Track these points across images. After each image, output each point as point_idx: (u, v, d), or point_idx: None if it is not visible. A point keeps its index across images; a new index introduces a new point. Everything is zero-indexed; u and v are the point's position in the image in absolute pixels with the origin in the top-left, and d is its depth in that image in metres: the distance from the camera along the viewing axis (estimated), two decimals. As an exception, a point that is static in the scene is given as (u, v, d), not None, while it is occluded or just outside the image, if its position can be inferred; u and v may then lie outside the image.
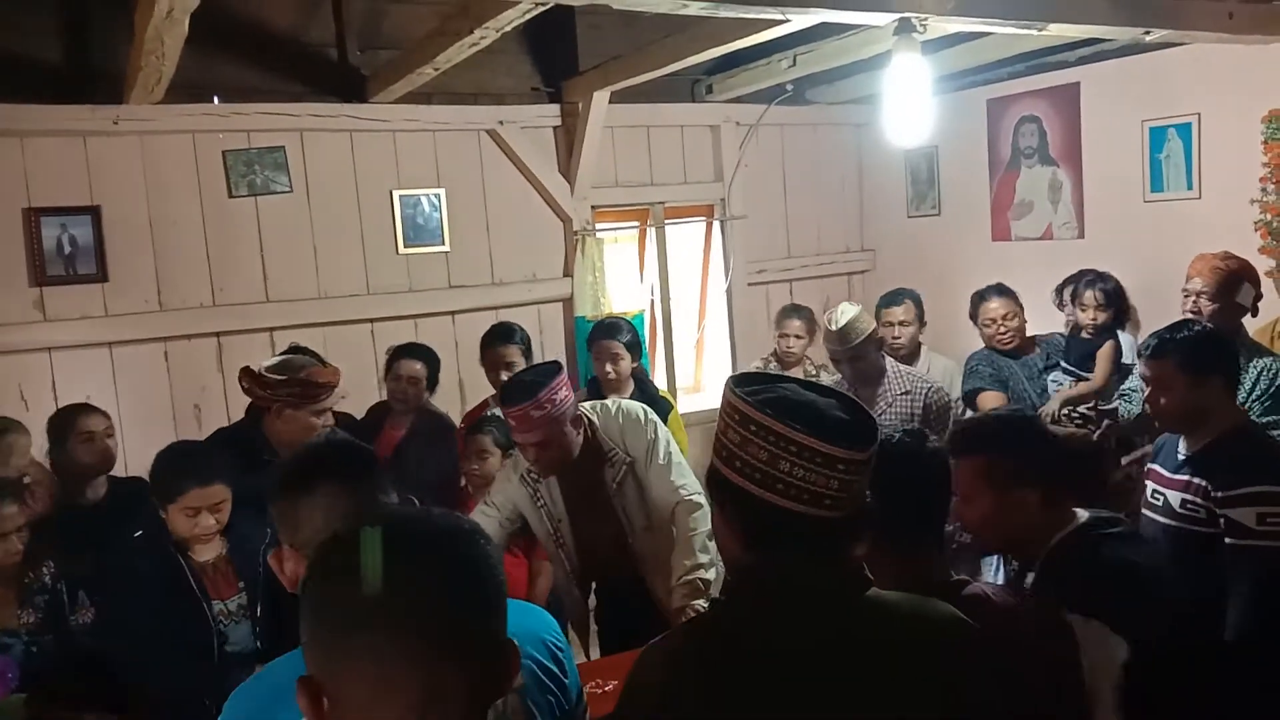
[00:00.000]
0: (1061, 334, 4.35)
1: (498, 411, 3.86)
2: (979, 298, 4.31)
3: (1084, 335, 4.09)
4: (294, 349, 4.00)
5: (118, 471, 3.91)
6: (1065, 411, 3.79)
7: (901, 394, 3.54)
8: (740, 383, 1.33)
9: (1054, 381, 4.09)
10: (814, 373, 4.80)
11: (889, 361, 3.68)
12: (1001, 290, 4.29)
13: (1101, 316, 4.04)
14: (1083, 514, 2.01)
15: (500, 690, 0.98)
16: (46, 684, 2.29)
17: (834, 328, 3.55)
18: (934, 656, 1.27)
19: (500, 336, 4.02)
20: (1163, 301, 3.99)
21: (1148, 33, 4.02)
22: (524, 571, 3.51)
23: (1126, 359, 4.02)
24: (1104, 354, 3.97)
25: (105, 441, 3.44)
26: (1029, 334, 4.33)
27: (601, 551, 3.10)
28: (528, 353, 4.01)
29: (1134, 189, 4.75)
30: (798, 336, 4.79)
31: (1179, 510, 2.51)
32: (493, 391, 4.01)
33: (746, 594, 1.32)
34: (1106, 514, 2.06)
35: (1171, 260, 4.16)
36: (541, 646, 1.46)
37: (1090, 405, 3.84)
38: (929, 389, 3.60)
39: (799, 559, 1.28)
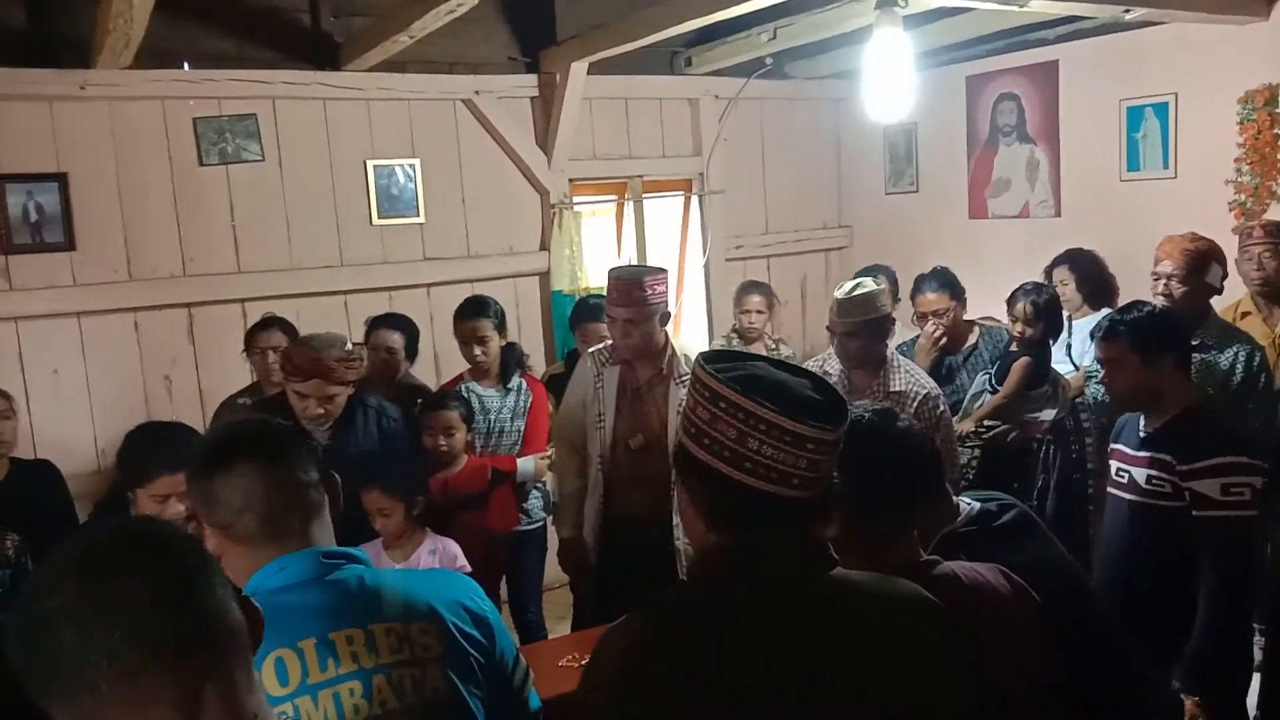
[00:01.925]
0: (1005, 327, 4.09)
1: (472, 385, 3.86)
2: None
3: (1011, 349, 3.86)
4: (268, 320, 3.96)
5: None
6: (976, 429, 3.73)
7: (893, 393, 3.14)
8: (710, 360, 1.31)
9: (973, 397, 3.87)
10: (773, 347, 4.85)
11: (892, 353, 3.28)
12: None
13: (1030, 331, 3.77)
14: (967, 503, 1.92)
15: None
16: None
17: (839, 295, 3.24)
18: (900, 635, 1.27)
19: (474, 310, 3.98)
20: (1138, 281, 4.01)
21: (1127, 11, 4.02)
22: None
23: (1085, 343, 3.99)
24: (1016, 368, 3.72)
25: (2, 424, 3.31)
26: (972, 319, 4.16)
27: (636, 461, 3.25)
28: (501, 326, 3.98)
29: (1111, 168, 4.76)
30: (759, 312, 4.83)
31: (1145, 486, 2.56)
32: (467, 366, 3.98)
33: (711, 575, 1.31)
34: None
35: (1147, 239, 4.17)
36: (460, 611, 1.49)
37: (1002, 424, 3.71)
38: (924, 396, 3.14)
39: (765, 539, 1.27)
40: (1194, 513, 2.43)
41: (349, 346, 3.31)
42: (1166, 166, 4.56)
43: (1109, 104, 4.73)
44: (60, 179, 4.12)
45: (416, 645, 1.42)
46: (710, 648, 1.22)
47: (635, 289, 3.14)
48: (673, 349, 3.28)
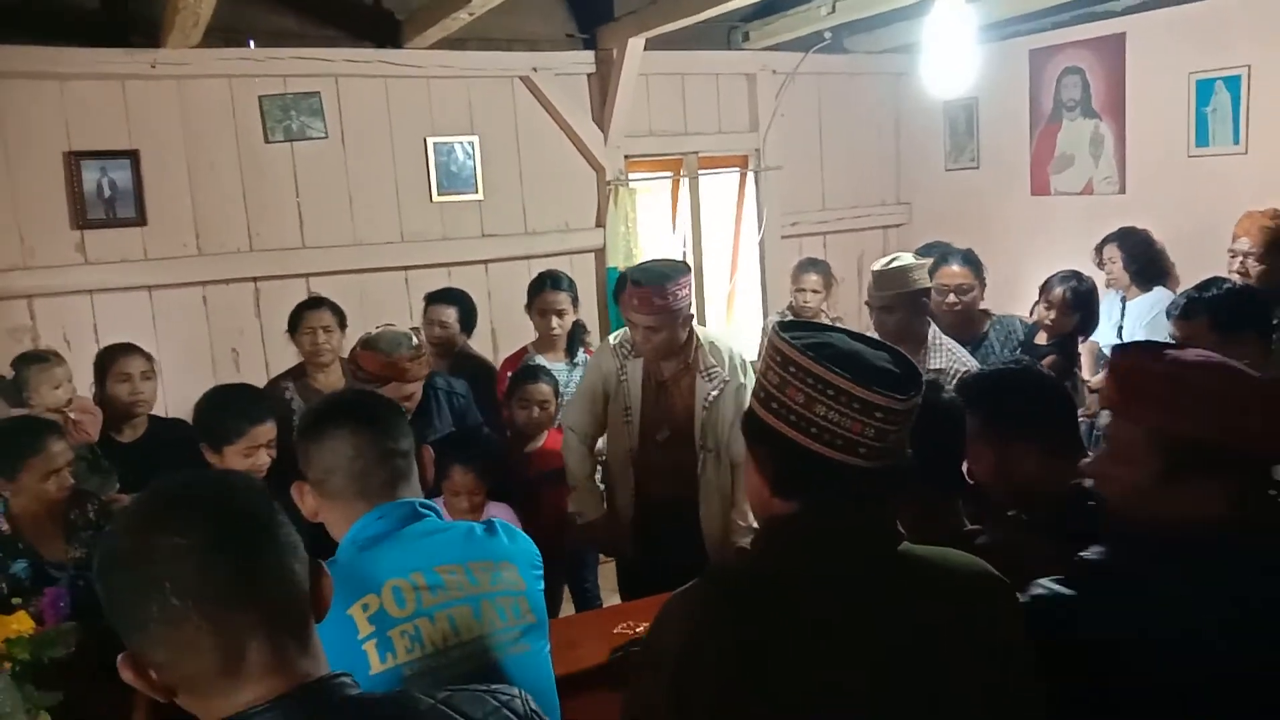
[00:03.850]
0: (1023, 318, 3.93)
1: (540, 359, 3.92)
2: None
3: (1037, 341, 3.68)
4: (315, 300, 3.93)
5: (155, 413, 3.99)
6: None
7: (934, 369, 3.13)
8: (787, 328, 1.32)
9: None
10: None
11: (934, 332, 3.24)
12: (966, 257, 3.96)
13: (1064, 321, 3.56)
14: None
15: (310, 614, 1.05)
16: (95, 614, 2.37)
17: (876, 268, 3.23)
18: (964, 609, 1.26)
19: (553, 283, 4.07)
20: (1205, 259, 3.92)
21: (1199, -19, 3.92)
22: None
23: (1157, 318, 3.89)
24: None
25: (143, 384, 3.49)
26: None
27: (663, 452, 3.27)
28: (575, 301, 4.05)
29: (1178, 143, 4.65)
30: (814, 291, 4.79)
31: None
32: (534, 338, 4.04)
33: (776, 544, 1.31)
34: None
35: (1215, 217, 4.09)
36: (533, 556, 1.72)
37: None
38: (964, 373, 3.02)
39: (832, 510, 1.26)
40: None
41: (415, 341, 3.37)
42: (1237, 142, 4.44)
43: (1178, 77, 4.60)
44: (132, 155, 4.25)
45: (505, 580, 1.63)
46: (774, 618, 1.22)
47: (657, 296, 3.05)
48: (697, 340, 3.24)
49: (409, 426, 1.72)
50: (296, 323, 3.79)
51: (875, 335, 3.26)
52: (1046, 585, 1.43)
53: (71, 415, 3.25)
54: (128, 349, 3.56)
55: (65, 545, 2.70)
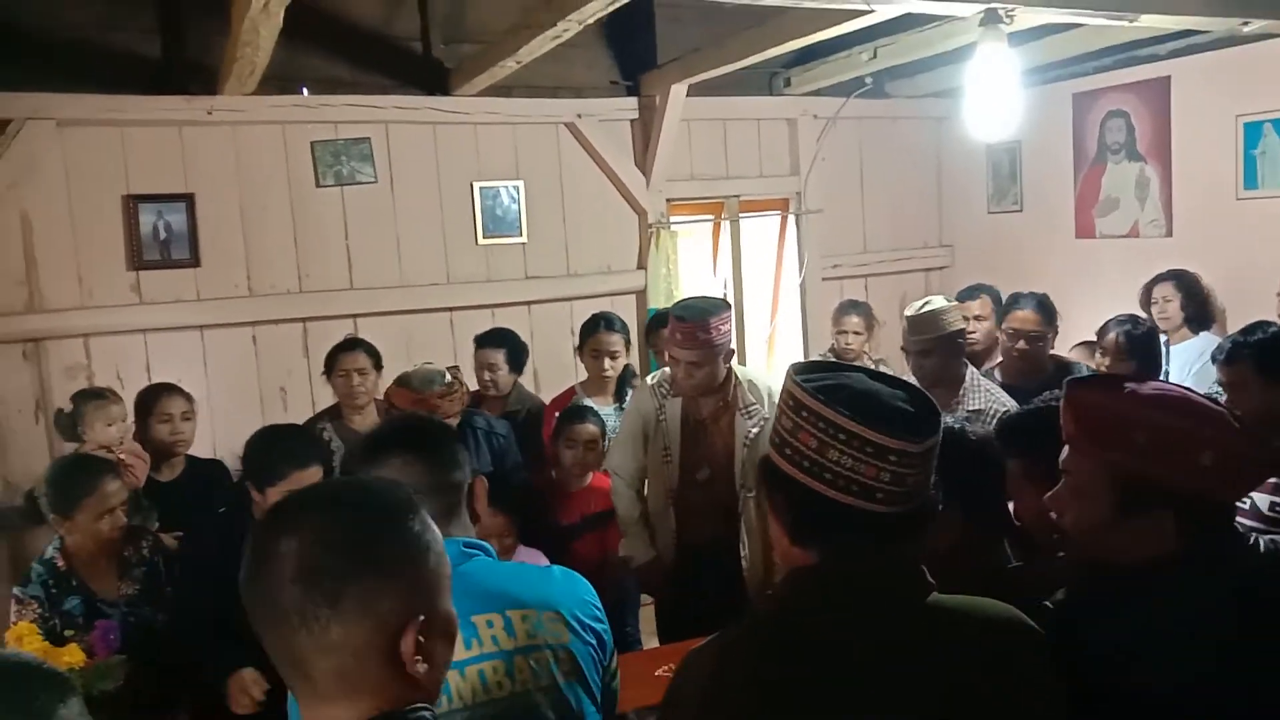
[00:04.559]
0: (1090, 365, 3.83)
1: (588, 401, 3.93)
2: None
3: None
4: (350, 341, 3.97)
5: (205, 452, 4.07)
6: None
7: (971, 411, 3.11)
8: (803, 370, 1.29)
9: None
10: (873, 367, 4.76)
11: (971, 373, 3.26)
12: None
13: (1122, 368, 3.40)
14: None
15: (371, 633, 1.02)
16: (145, 649, 2.42)
17: (909, 313, 3.27)
18: (991, 662, 1.22)
19: (607, 325, 4.09)
20: (1253, 303, 3.87)
21: (1245, 23, 3.90)
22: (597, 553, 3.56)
23: (1206, 365, 3.81)
24: None
25: (182, 424, 3.56)
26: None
27: (703, 492, 3.26)
28: (628, 344, 4.07)
29: (1226, 186, 4.60)
30: (856, 333, 4.78)
31: (1267, 513, 2.46)
32: (577, 378, 4.06)
33: (796, 595, 1.27)
34: None
35: (1265, 261, 4.05)
36: (583, 606, 1.62)
37: None
38: (1004, 414, 2.99)
39: (853, 557, 1.22)
40: None
41: (448, 379, 3.40)
42: (1287, 184, 4.39)
43: (1225, 120, 4.57)
44: (188, 199, 4.36)
45: (548, 632, 1.54)
46: (796, 667, 1.19)
47: (700, 331, 3.08)
48: (736, 378, 3.24)
49: (464, 454, 1.66)
50: (332, 364, 3.84)
51: (912, 378, 3.31)
52: None
53: (123, 457, 3.31)
54: (169, 389, 3.63)
55: (118, 582, 2.75)
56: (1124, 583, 1.40)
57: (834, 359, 4.85)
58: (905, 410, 1.23)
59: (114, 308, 4.27)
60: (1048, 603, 1.48)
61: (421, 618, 1.02)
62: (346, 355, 3.83)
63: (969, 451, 1.71)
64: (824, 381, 1.25)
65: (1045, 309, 3.73)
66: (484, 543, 1.62)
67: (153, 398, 3.58)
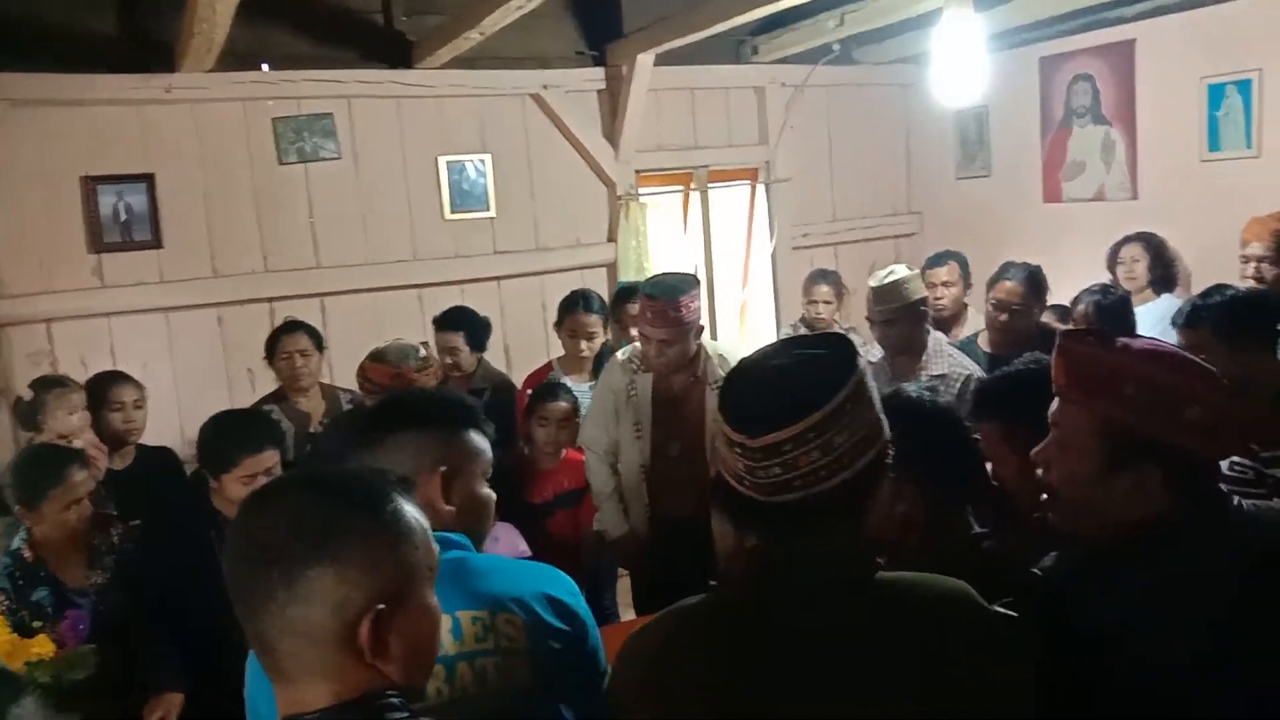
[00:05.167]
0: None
1: (565, 379, 3.91)
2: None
3: None
4: (291, 324, 3.93)
5: (174, 437, 4.04)
6: None
7: (935, 376, 3.16)
8: (761, 351, 1.30)
9: None
10: None
11: (934, 339, 3.29)
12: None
13: None
14: None
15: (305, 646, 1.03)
16: (115, 636, 2.40)
17: (873, 284, 3.29)
18: (941, 640, 1.20)
19: (585, 304, 4.04)
20: (1219, 264, 3.91)
21: (1208, -14, 3.91)
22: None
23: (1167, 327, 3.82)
24: None
25: (134, 412, 3.54)
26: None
27: (674, 467, 3.26)
28: (605, 323, 4.05)
29: (1190, 148, 4.63)
30: (826, 302, 4.80)
31: (1228, 473, 2.49)
32: (549, 354, 4.04)
33: (735, 576, 1.29)
34: None
35: (1228, 222, 4.07)
36: (548, 604, 1.48)
37: None
38: (967, 377, 3.16)
39: (775, 542, 1.22)
40: (1275, 499, 2.37)
41: (422, 353, 3.38)
42: (1250, 146, 4.42)
43: (1189, 82, 4.59)
44: (148, 179, 4.29)
45: (501, 635, 1.42)
46: (733, 650, 1.19)
47: (671, 310, 3.08)
48: (705, 353, 3.25)
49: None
50: (274, 348, 3.81)
51: (873, 345, 3.34)
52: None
53: (86, 447, 3.27)
54: (120, 377, 3.60)
55: (87, 571, 2.72)
56: (1115, 550, 1.40)
57: (804, 328, 4.87)
58: (759, 403, 1.19)
59: (75, 291, 4.20)
60: (1036, 569, 1.46)
61: (381, 607, 1.02)
62: (288, 337, 3.81)
63: (927, 421, 1.71)
64: (744, 366, 1.27)
65: (1033, 282, 3.67)
66: (455, 536, 1.51)
67: (104, 386, 3.53)
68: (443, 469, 1.53)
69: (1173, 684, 1.29)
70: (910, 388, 1.75)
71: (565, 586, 1.54)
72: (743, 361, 1.28)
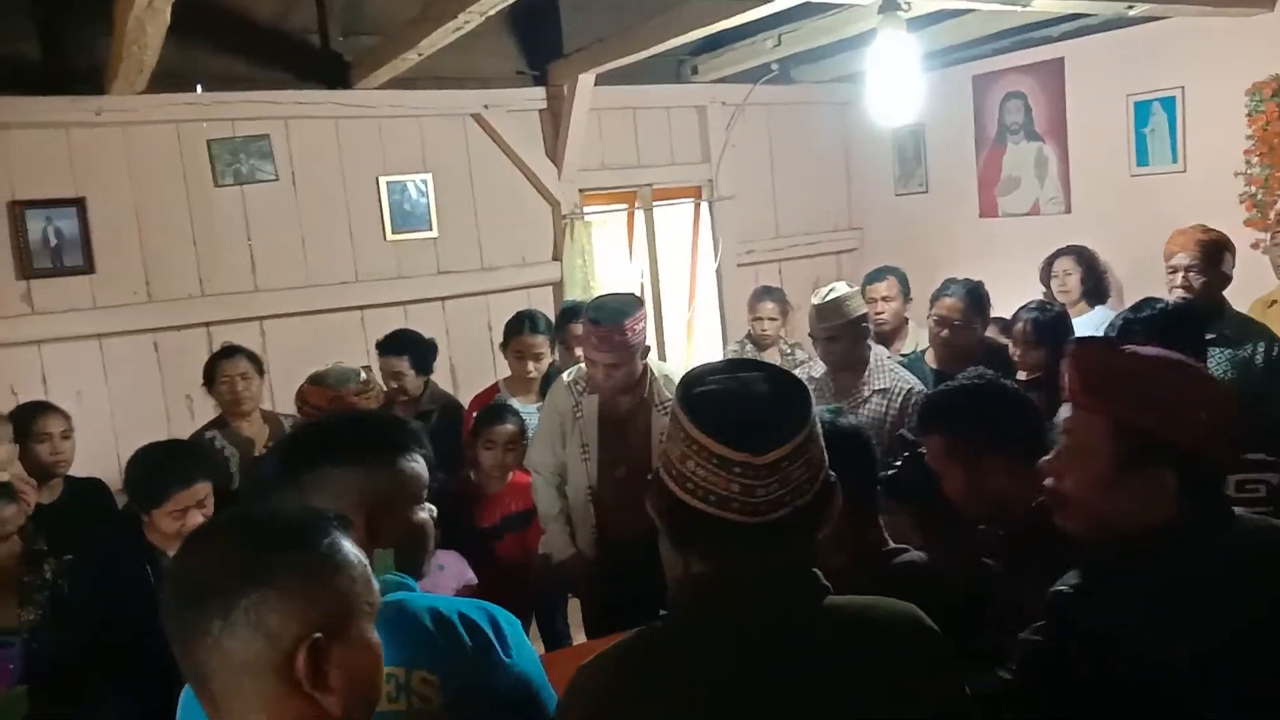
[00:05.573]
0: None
1: (512, 400, 3.88)
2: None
3: (1018, 379, 3.35)
4: (229, 349, 3.84)
5: (110, 467, 3.92)
6: None
7: (877, 391, 3.22)
8: (701, 374, 1.26)
9: None
10: (789, 352, 4.85)
11: (876, 354, 3.34)
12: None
13: (1032, 355, 3.39)
14: None
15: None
16: (49, 677, 2.32)
17: (815, 301, 3.32)
18: (890, 663, 1.21)
19: (532, 326, 3.99)
20: (1148, 275, 4.01)
21: (1131, 7, 4.04)
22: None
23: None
24: None
25: (62, 443, 3.41)
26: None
27: (621, 489, 3.21)
28: (552, 344, 4.02)
29: (1119, 163, 4.77)
30: (771, 319, 4.85)
31: (1238, 495, 2.52)
32: (495, 375, 3.99)
33: (682, 607, 1.25)
34: None
35: (1157, 234, 4.16)
36: (473, 660, 1.39)
37: None
38: (908, 391, 3.20)
39: (727, 566, 1.20)
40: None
41: (363, 376, 3.34)
42: (1175, 160, 4.56)
43: (1116, 99, 4.73)
44: (78, 204, 4.19)
45: (415, 695, 1.34)
46: (680, 680, 1.17)
47: (616, 334, 3.04)
48: (652, 374, 3.23)
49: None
50: (212, 373, 3.73)
51: (815, 361, 3.38)
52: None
53: (15, 482, 3.16)
54: (46, 408, 3.47)
55: (18, 610, 2.63)
56: (1125, 553, 1.41)
57: (751, 345, 4.90)
58: (756, 421, 1.18)
59: (4, 319, 4.08)
60: (1063, 587, 1.44)
61: (318, 636, 1.01)
62: (226, 362, 3.74)
63: (840, 438, 1.73)
64: (704, 388, 1.23)
65: (973, 297, 3.64)
66: (394, 576, 1.42)
67: (29, 417, 3.40)
68: (370, 507, 1.42)
69: (1173, 684, 1.31)
70: (819, 410, 1.78)
71: (504, 621, 1.47)
72: (708, 388, 1.23)
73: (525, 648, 1.48)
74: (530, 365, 3.96)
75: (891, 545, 1.79)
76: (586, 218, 5.26)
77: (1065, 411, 1.50)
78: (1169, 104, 4.55)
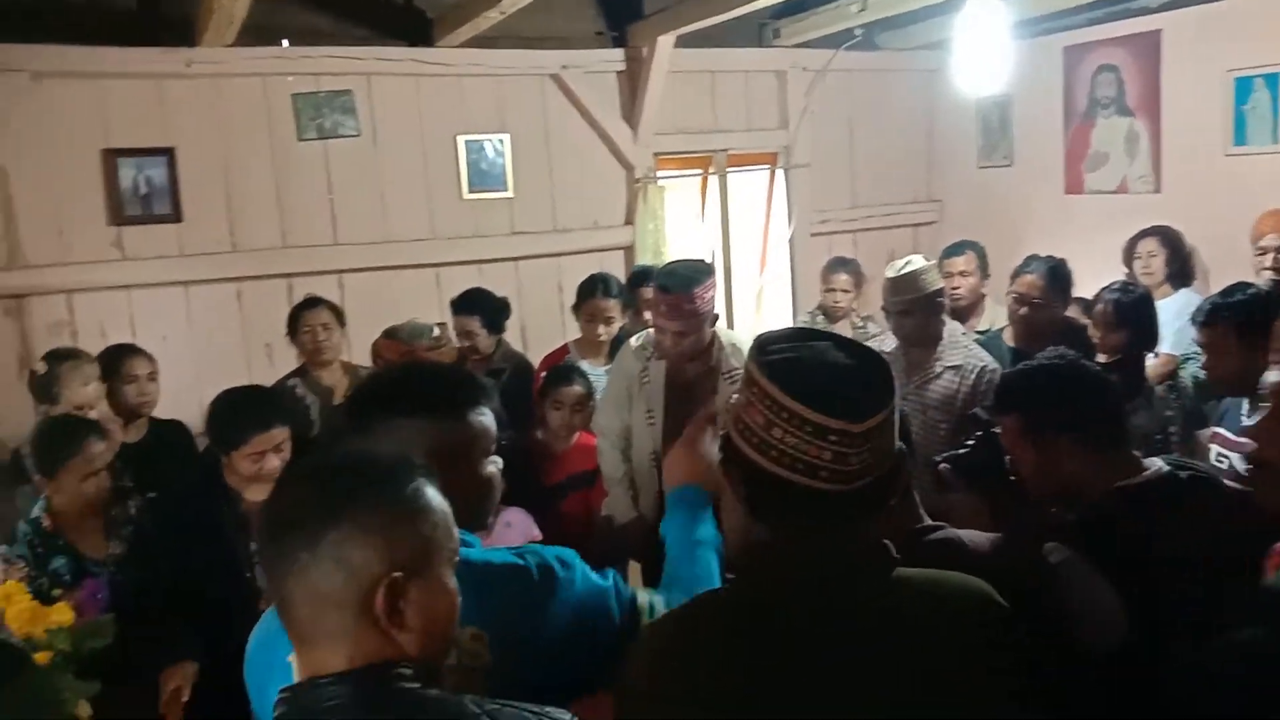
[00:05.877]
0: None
1: (582, 362, 3.91)
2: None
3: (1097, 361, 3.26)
4: (312, 300, 3.93)
5: (192, 411, 4.06)
6: None
7: (950, 367, 3.17)
8: (769, 341, 1.25)
9: None
10: (860, 325, 4.78)
11: (950, 329, 3.27)
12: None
13: (1113, 338, 3.24)
14: (1157, 463, 1.93)
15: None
16: (132, 610, 2.43)
17: (890, 274, 3.26)
18: (957, 638, 1.20)
19: (604, 289, 4.01)
20: (1240, 259, 3.88)
21: (1238, -22, 3.86)
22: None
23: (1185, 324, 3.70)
24: None
25: (148, 385, 3.53)
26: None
27: None
28: (624, 307, 4.05)
29: (1215, 142, 4.59)
30: (844, 290, 4.78)
31: (1245, 474, 2.48)
32: (565, 334, 4.02)
33: (751, 573, 1.25)
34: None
35: (1249, 216, 4.05)
36: (518, 617, 1.38)
37: None
38: (981, 369, 3.14)
39: (801, 534, 1.19)
40: None
41: (436, 333, 3.38)
42: (1276, 141, 4.38)
43: (1215, 75, 4.54)
44: (168, 153, 4.31)
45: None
46: (748, 648, 1.17)
47: (685, 303, 3.01)
48: (719, 342, 3.19)
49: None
50: (296, 323, 3.82)
51: (887, 334, 3.33)
52: None
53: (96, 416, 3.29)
54: (133, 351, 3.59)
55: (105, 542, 2.75)
56: None
57: (822, 316, 4.86)
58: (850, 389, 1.17)
59: (96, 263, 4.22)
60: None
61: (398, 574, 1.05)
62: (309, 312, 3.83)
63: None
64: (781, 354, 1.22)
65: (1054, 276, 3.54)
66: (465, 535, 1.37)
67: (117, 359, 3.52)
68: (437, 458, 1.35)
69: None
70: None
71: (556, 564, 1.47)
72: (788, 355, 1.21)
73: (581, 578, 1.48)
74: (601, 328, 3.99)
75: (926, 522, 1.76)
76: (660, 182, 5.25)
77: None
78: (1273, 81, 4.36)
